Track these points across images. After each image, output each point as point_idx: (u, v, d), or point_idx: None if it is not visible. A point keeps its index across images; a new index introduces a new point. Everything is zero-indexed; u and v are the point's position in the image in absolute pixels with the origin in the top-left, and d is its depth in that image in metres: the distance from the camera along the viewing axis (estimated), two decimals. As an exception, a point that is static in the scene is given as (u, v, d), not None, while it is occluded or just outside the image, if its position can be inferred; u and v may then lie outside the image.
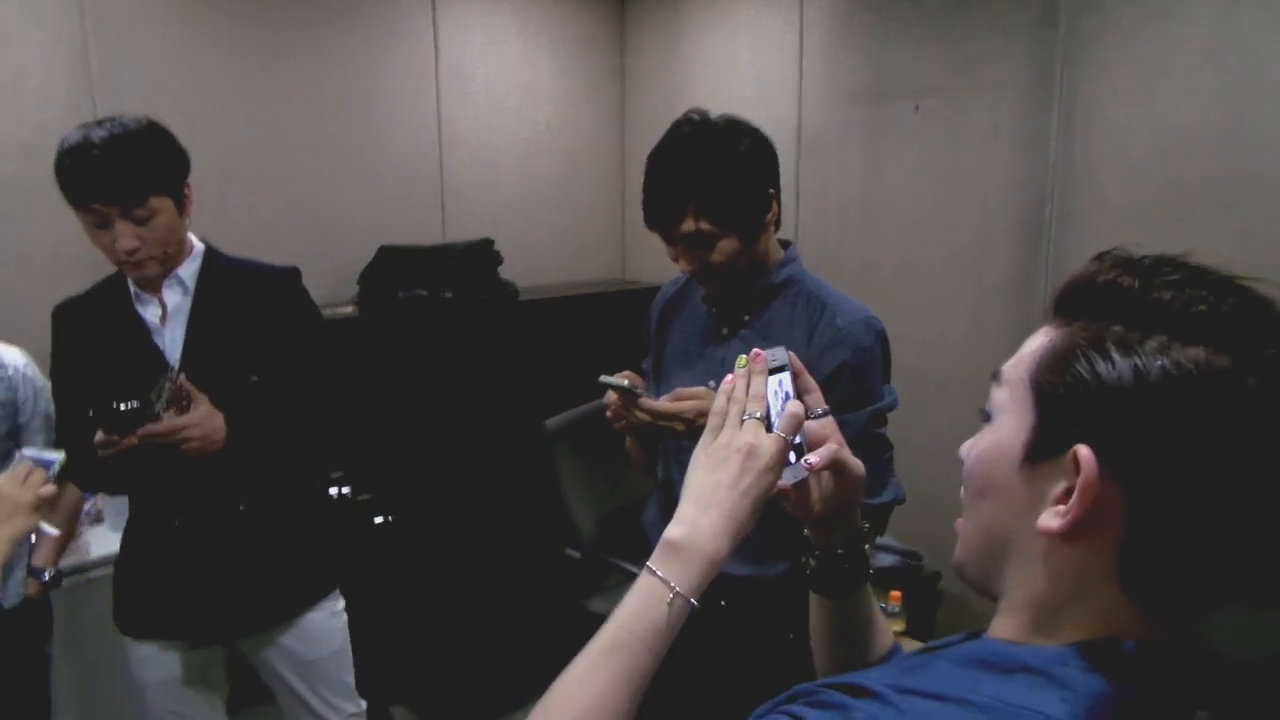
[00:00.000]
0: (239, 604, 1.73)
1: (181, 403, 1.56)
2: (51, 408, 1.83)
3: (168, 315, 1.67)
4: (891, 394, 1.53)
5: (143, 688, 1.78)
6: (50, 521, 1.90)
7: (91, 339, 1.68)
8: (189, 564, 1.71)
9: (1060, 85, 2.58)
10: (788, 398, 0.78)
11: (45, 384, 1.85)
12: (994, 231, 2.77)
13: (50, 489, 1.29)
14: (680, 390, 1.45)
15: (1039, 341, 0.59)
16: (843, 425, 0.83)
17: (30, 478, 1.29)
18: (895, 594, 2.61)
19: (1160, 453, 0.51)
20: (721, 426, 0.75)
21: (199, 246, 1.72)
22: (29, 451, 1.40)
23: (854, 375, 1.44)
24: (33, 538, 1.84)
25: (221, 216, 2.72)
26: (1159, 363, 0.51)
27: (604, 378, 1.45)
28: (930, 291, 2.97)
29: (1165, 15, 2.38)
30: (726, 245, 1.43)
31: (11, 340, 1.88)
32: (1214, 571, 0.54)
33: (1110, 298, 0.56)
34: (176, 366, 1.63)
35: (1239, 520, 0.52)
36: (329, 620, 1.86)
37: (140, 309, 1.67)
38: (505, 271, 3.14)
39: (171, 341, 1.67)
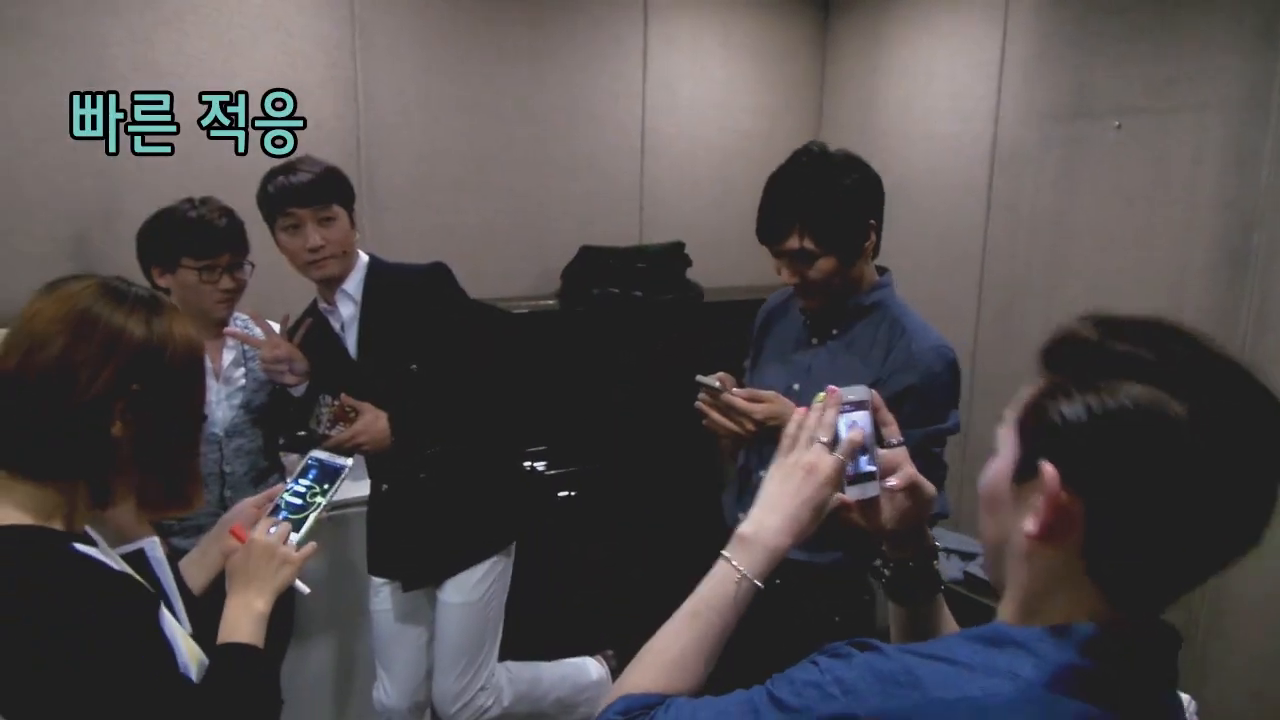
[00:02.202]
0: (428, 555, 2.08)
1: (349, 416, 1.88)
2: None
3: (345, 324, 2.03)
4: (955, 418, 1.66)
5: (370, 614, 2.21)
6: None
7: (309, 337, 2.05)
8: (395, 520, 2.09)
9: (1278, 105, 2.44)
10: (865, 430, 0.94)
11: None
12: (1194, 257, 2.65)
13: (311, 548, 1.24)
14: (755, 391, 1.62)
15: (1026, 389, 0.74)
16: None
17: (286, 533, 1.25)
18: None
19: (1107, 470, 0.65)
20: (792, 448, 0.92)
21: (363, 259, 2.04)
22: (319, 454, 1.38)
23: (920, 397, 1.58)
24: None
25: (453, 216, 3.13)
26: (1107, 401, 0.65)
27: (699, 377, 1.64)
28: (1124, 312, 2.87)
29: None
30: (825, 264, 1.60)
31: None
32: (1163, 567, 0.66)
33: (1079, 350, 0.70)
34: (356, 362, 2.00)
35: (1177, 525, 0.64)
36: (479, 576, 2.13)
37: (330, 320, 2.04)
38: (695, 273, 3.35)
39: (351, 344, 2.02)
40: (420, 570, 2.11)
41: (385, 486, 2.09)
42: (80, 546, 0.95)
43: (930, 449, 1.60)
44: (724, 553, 0.89)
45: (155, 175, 2.59)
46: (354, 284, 2.01)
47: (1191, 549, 0.65)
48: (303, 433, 1.81)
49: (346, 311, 2.01)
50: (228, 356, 2.08)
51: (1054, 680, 0.64)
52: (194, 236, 1.93)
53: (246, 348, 2.09)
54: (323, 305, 2.04)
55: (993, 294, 3.27)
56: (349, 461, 1.36)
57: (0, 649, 0.86)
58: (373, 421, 1.88)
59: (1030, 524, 0.68)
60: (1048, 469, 0.67)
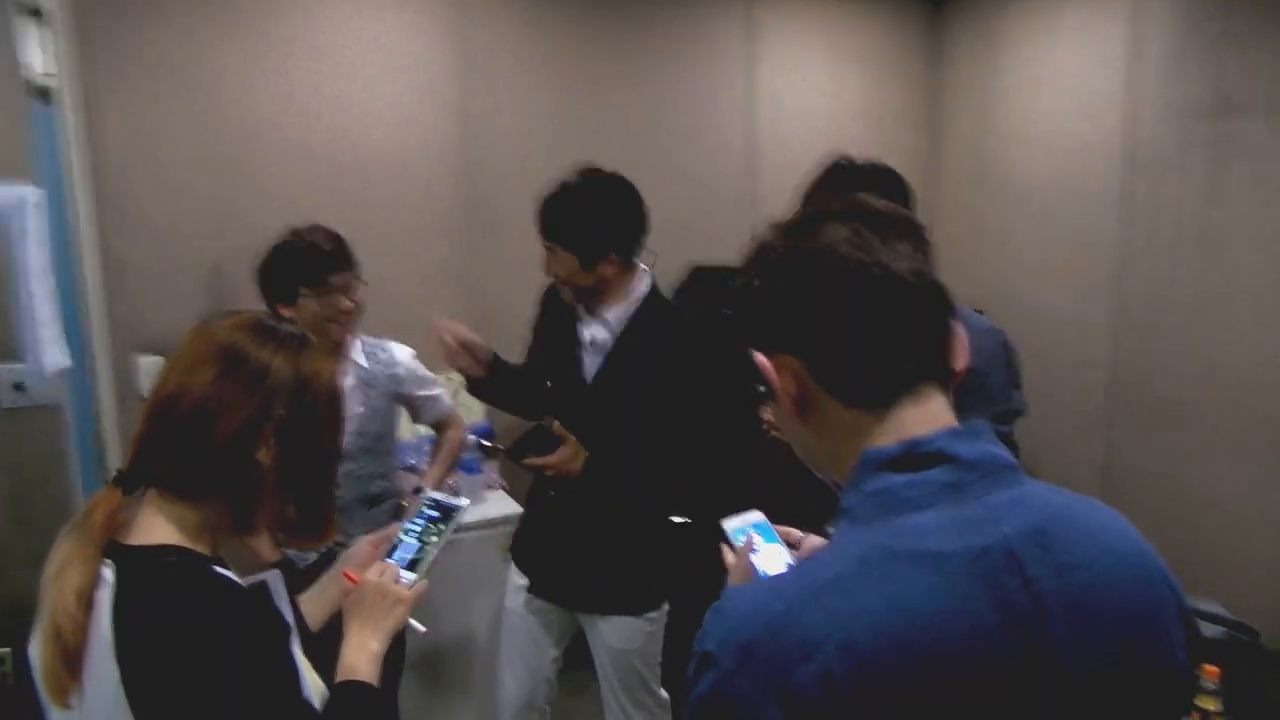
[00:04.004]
0: (578, 580, 2.05)
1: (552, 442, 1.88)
2: (436, 390, 2.34)
3: (594, 344, 1.98)
4: (1019, 398, 1.69)
5: (505, 610, 2.21)
6: (440, 460, 2.35)
7: (551, 328, 2.09)
8: (552, 529, 2.07)
9: None
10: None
11: (426, 372, 2.33)
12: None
13: (424, 588, 1.27)
14: None
15: None
16: None
17: (396, 575, 1.27)
18: (1211, 669, 2.35)
19: (770, 321, 0.78)
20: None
21: (640, 292, 1.96)
22: (434, 494, 1.40)
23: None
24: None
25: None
26: (750, 280, 0.80)
27: (762, 387, 1.58)
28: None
29: None
30: None
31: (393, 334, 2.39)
32: (876, 351, 0.74)
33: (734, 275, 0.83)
34: (590, 386, 1.98)
35: (847, 314, 0.74)
36: (644, 625, 2.09)
37: (580, 325, 2.00)
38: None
39: (589, 366, 1.99)
40: (568, 591, 2.10)
41: (553, 493, 2.05)
42: (219, 569, 1.01)
43: (999, 429, 1.54)
44: None
45: (299, 216, 2.72)
46: (615, 314, 1.95)
47: (870, 324, 0.74)
48: (495, 446, 1.86)
49: (598, 335, 1.97)
50: (347, 383, 2.14)
51: (878, 530, 0.69)
52: (306, 265, 2.01)
53: (368, 375, 2.15)
54: (582, 314, 1.99)
55: (1132, 309, 3.04)
56: (466, 502, 1.38)
57: (151, 663, 0.91)
58: (571, 458, 1.87)
59: (787, 408, 0.78)
60: (756, 356, 0.78)
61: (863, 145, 3.69)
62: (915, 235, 0.76)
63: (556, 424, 1.88)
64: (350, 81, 2.82)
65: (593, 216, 1.90)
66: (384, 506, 2.25)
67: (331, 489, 1.15)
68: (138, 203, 2.62)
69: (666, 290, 3.29)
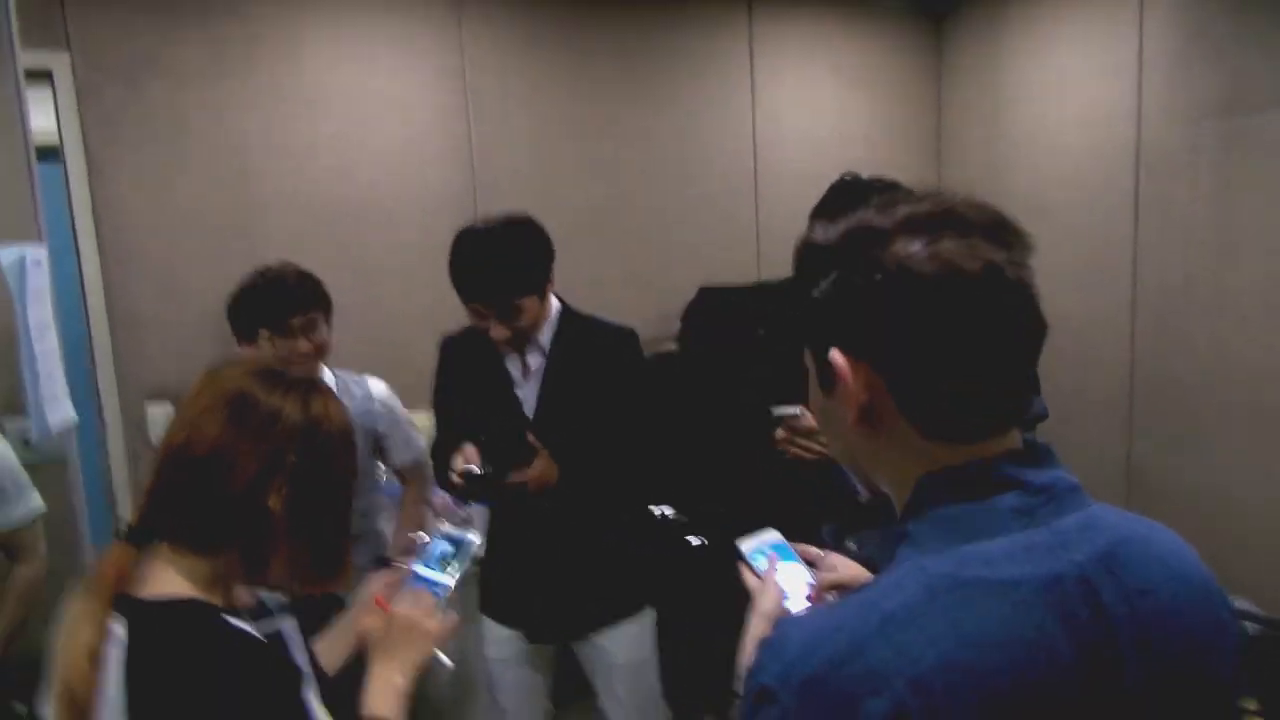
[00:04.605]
0: (568, 610, 2.01)
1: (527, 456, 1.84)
2: (412, 432, 2.25)
3: (529, 372, 1.95)
4: (1040, 404, 1.68)
5: (488, 661, 2.13)
6: (406, 525, 2.23)
7: (465, 374, 2.02)
8: (528, 569, 2.01)
9: None
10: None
11: (403, 410, 2.26)
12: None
13: (453, 620, 1.25)
14: None
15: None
16: None
17: (431, 605, 1.26)
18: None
19: (874, 326, 0.69)
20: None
21: (555, 307, 1.95)
22: (446, 529, 1.38)
23: None
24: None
25: (567, 268, 3.12)
26: (850, 275, 0.70)
27: (775, 410, 1.60)
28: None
29: None
30: None
31: (395, 371, 2.35)
32: (967, 383, 0.68)
33: (807, 253, 0.75)
34: (530, 417, 1.93)
35: (956, 342, 0.67)
36: (639, 631, 2.08)
37: (507, 362, 1.96)
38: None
39: (527, 395, 1.96)
40: (561, 623, 2.05)
41: (525, 534, 2.01)
42: (234, 620, 0.99)
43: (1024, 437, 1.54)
44: None
45: (299, 254, 2.72)
46: (546, 335, 1.93)
47: (980, 355, 0.67)
48: (482, 471, 1.77)
49: (533, 363, 1.94)
50: None
51: (946, 559, 0.65)
52: (265, 305, 1.96)
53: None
54: (506, 351, 1.94)
55: (1148, 314, 3.02)
56: (477, 537, 1.36)
57: (160, 717, 0.89)
58: (546, 470, 1.84)
59: (850, 416, 0.71)
60: (834, 354, 0.71)
61: (867, 164, 3.64)
62: (1025, 246, 0.70)
63: (530, 435, 1.84)
64: (343, 122, 2.84)
65: (543, 253, 1.87)
66: (363, 546, 2.20)
67: (346, 531, 1.13)
68: (142, 254, 2.64)
69: (676, 311, 3.31)
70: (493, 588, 2.11)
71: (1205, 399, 2.88)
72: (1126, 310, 3.07)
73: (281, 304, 1.97)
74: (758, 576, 1.02)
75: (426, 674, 1.22)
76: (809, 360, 0.77)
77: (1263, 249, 2.65)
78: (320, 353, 2.03)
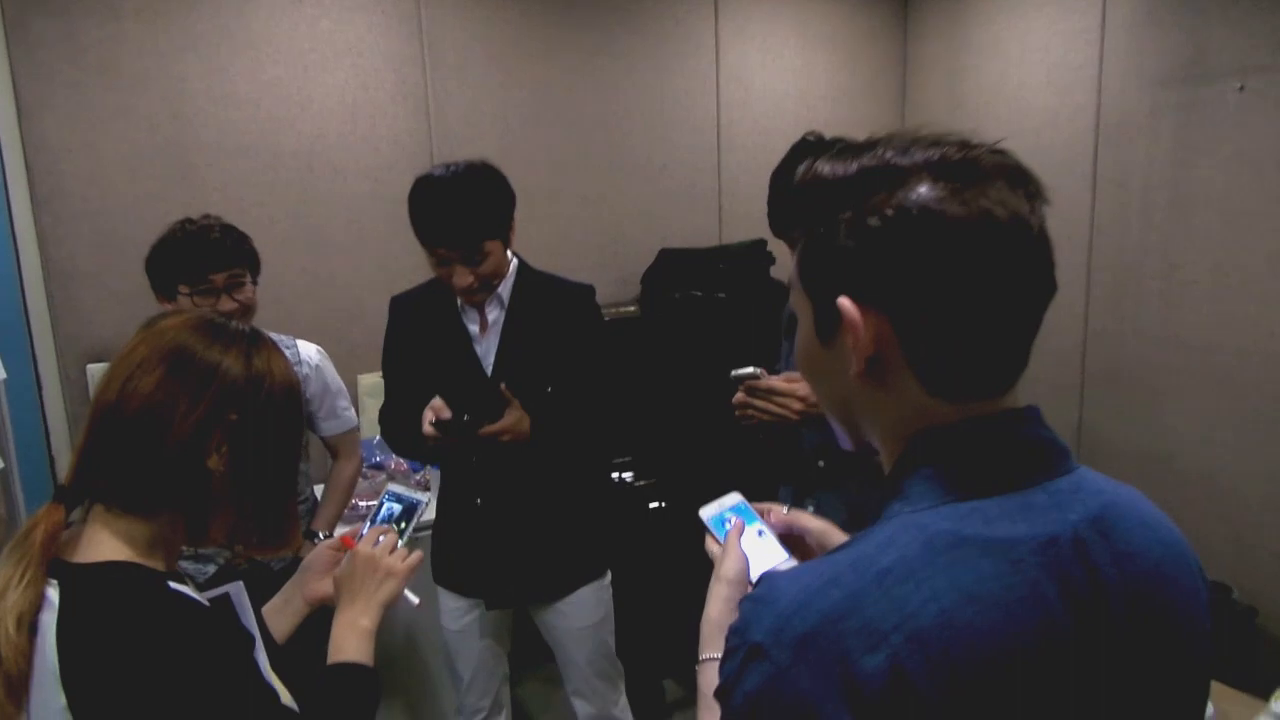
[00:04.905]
0: (528, 576, 2.00)
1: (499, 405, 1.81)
2: (341, 401, 2.17)
3: (487, 327, 1.93)
4: None
5: (445, 631, 2.11)
6: (333, 498, 2.18)
7: (420, 334, 1.97)
8: (487, 538, 1.98)
9: None
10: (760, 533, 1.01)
11: (336, 378, 2.18)
12: (1337, 226, 2.41)
13: (417, 558, 1.24)
14: (791, 374, 1.57)
15: (794, 257, 0.73)
16: None
17: (394, 543, 1.25)
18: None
19: (896, 274, 0.64)
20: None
21: (514, 263, 1.94)
22: (395, 488, 1.38)
23: None
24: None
25: (526, 227, 3.07)
26: (868, 218, 0.64)
27: (735, 371, 1.60)
28: (1252, 296, 2.64)
29: None
30: None
31: (345, 330, 2.26)
32: (980, 341, 0.65)
33: (820, 190, 0.69)
34: (489, 374, 1.90)
35: (973, 299, 0.64)
36: (598, 593, 2.08)
37: (464, 318, 1.94)
38: (779, 271, 3.24)
39: (485, 351, 1.93)
40: (520, 589, 2.04)
41: (479, 500, 1.98)
42: (175, 585, 0.94)
43: None
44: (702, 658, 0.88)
45: (239, 208, 2.62)
46: (505, 288, 1.92)
47: (1000, 308, 0.65)
48: (463, 418, 1.74)
49: (491, 315, 1.93)
50: None
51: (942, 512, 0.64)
52: (185, 259, 1.85)
53: None
54: (460, 302, 1.92)
55: (1102, 277, 3.06)
56: (425, 496, 1.35)
57: (102, 690, 0.85)
58: (519, 420, 1.82)
59: (853, 365, 0.68)
60: (843, 302, 0.66)
61: (831, 123, 3.70)
62: (1044, 198, 0.67)
63: (503, 386, 1.81)
64: (289, 67, 2.71)
65: (507, 197, 1.83)
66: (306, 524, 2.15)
67: (293, 494, 1.08)
68: (78, 205, 2.51)
69: (636, 274, 3.27)
70: (449, 558, 2.07)
71: (1155, 366, 2.93)
72: (1082, 277, 3.11)
73: (204, 259, 1.86)
74: (719, 543, 1.00)
75: (394, 611, 1.20)
76: (803, 307, 0.73)
77: (1217, 217, 2.70)
78: (246, 312, 1.92)
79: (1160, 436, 2.93)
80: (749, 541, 1.00)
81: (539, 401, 1.86)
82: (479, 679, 2.12)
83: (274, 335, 2.00)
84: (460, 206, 1.75)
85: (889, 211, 0.64)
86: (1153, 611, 0.68)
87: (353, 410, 2.27)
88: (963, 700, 0.59)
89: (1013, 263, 0.64)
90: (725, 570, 0.92)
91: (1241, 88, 2.56)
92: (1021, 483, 0.67)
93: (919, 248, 0.63)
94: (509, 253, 1.92)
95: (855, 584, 0.62)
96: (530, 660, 2.28)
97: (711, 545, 1.01)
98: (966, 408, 0.68)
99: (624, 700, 2.21)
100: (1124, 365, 3.02)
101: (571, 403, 1.91)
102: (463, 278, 1.79)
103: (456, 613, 2.08)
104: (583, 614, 2.07)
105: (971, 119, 3.43)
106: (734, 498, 1.07)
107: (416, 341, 1.98)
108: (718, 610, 0.89)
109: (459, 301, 1.93)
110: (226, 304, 1.88)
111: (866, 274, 0.65)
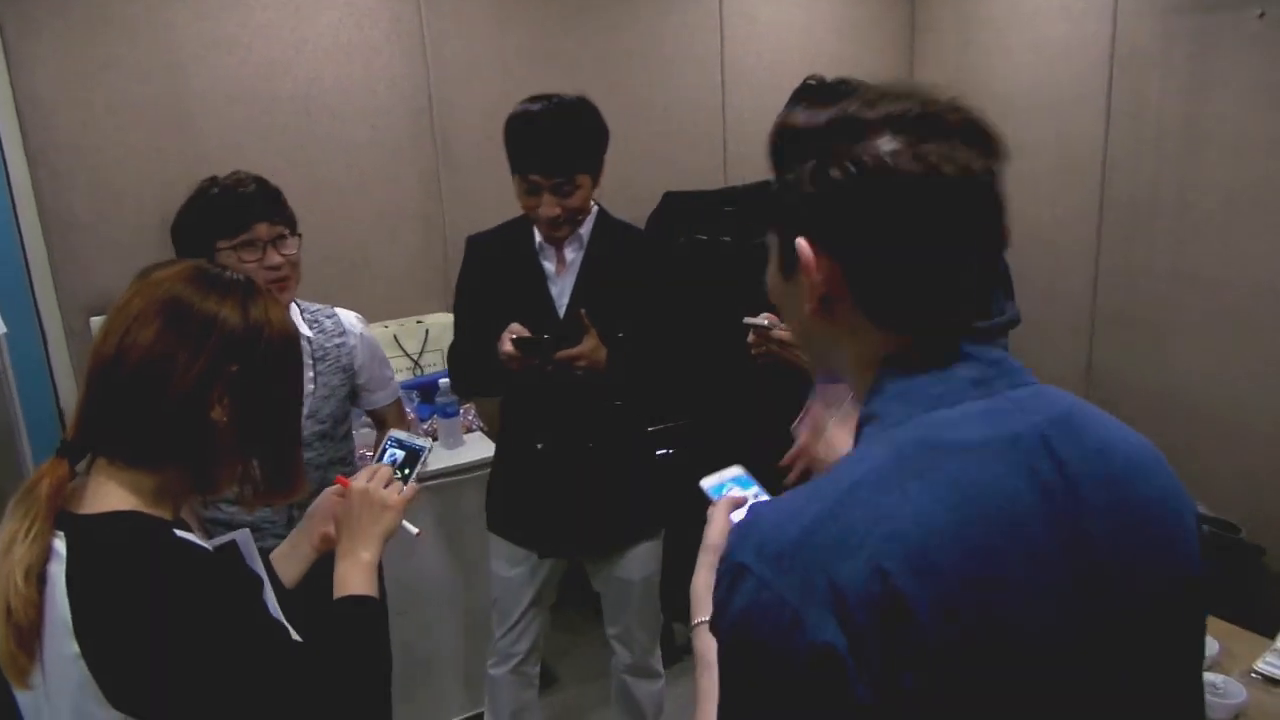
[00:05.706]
0: (584, 528, 1.99)
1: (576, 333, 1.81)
2: (388, 370, 2.02)
3: (564, 267, 1.92)
4: (1013, 310, 1.69)
5: (494, 578, 2.14)
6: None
7: (496, 272, 1.97)
8: (546, 485, 1.97)
9: None
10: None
11: (378, 345, 2.00)
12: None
13: (413, 489, 1.25)
14: None
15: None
16: None
17: (387, 476, 1.25)
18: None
19: (848, 220, 0.68)
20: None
21: (595, 208, 1.94)
22: (398, 434, 1.36)
23: None
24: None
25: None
26: (829, 169, 0.68)
27: (746, 319, 1.61)
28: (1265, 232, 2.60)
29: None
30: None
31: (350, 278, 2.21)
32: (925, 278, 0.68)
33: (792, 137, 0.73)
34: (562, 315, 1.89)
35: (923, 240, 0.67)
36: (653, 549, 2.10)
37: (542, 258, 1.92)
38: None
39: (560, 291, 1.92)
40: (577, 541, 2.04)
41: (541, 445, 1.94)
42: (181, 533, 0.95)
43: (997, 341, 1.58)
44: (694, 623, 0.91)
45: (238, 156, 2.58)
46: (586, 229, 1.92)
47: (944, 260, 0.68)
48: (543, 337, 1.75)
49: (570, 255, 1.92)
50: None
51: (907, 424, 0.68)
52: (221, 213, 1.68)
53: (316, 348, 1.84)
54: (539, 241, 1.91)
55: (1115, 213, 3.01)
56: (429, 443, 1.35)
57: (111, 638, 0.86)
58: (597, 347, 1.81)
59: (809, 306, 0.71)
60: (800, 243, 0.70)
61: (837, 61, 3.61)
62: (1001, 154, 0.70)
63: (582, 312, 1.82)
64: (279, 10, 2.65)
65: (602, 136, 1.85)
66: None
67: (297, 441, 1.09)
68: (73, 159, 2.48)
69: (640, 218, 3.23)
70: (504, 505, 2.08)
71: (1166, 303, 2.90)
72: (1095, 214, 3.06)
73: (244, 209, 1.67)
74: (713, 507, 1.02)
75: (394, 542, 1.23)
76: (772, 241, 0.77)
77: (1229, 149, 2.64)
78: (293, 271, 1.75)
79: (1171, 374, 2.92)
80: (741, 510, 1.01)
81: (610, 345, 1.85)
82: (520, 625, 2.15)
83: (312, 305, 1.93)
84: (559, 135, 1.77)
85: (848, 163, 0.67)
86: (1130, 504, 0.70)
87: (397, 378, 2.14)
88: (944, 595, 0.60)
89: (958, 217, 0.67)
90: (711, 538, 0.96)
91: (1262, 14, 2.48)
92: (983, 393, 0.69)
93: (869, 200, 0.67)
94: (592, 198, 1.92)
95: (831, 497, 0.64)
96: (566, 604, 2.32)
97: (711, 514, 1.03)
98: (922, 339, 0.72)
99: (659, 651, 2.25)
100: (1135, 303, 2.99)
101: (641, 351, 1.90)
102: (550, 208, 1.80)
103: (506, 560, 2.10)
104: (636, 568, 2.09)
105: (983, 50, 3.34)
106: (735, 470, 1.10)
107: (492, 279, 1.98)
108: (704, 577, 0.92)
109: (537, 241, 1.93)
110: (273, 258, 1.70)
111: (822, 220, 0.70)
